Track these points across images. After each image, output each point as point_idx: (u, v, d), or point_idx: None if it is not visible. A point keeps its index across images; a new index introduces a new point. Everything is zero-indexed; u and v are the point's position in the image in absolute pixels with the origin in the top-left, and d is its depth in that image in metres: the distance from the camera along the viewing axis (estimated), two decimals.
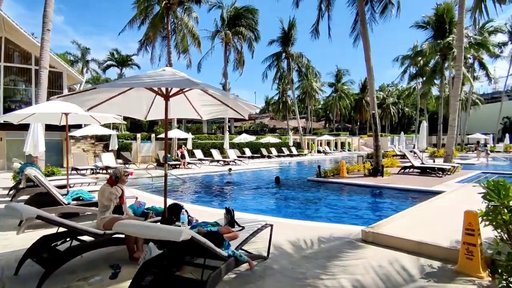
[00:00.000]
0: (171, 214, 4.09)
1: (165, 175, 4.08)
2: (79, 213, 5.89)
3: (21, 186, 5.68)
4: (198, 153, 22.01)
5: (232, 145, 26.98)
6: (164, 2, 19.83)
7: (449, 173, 13.26)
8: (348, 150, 44.13)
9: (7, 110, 19.58)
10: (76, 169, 14.77)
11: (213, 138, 27.59)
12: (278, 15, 64.63)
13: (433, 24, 28.88)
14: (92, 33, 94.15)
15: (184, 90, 4.10)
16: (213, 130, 43.99)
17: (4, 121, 17.99)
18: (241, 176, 15.98)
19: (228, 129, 27.17)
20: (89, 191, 6.11)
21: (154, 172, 14.79)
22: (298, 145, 34.31)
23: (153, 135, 24.79)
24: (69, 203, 5.43)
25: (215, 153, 21.20)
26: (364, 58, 13.64)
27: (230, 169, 17.43)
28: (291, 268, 3.82)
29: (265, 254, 4.07)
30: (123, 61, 38.53)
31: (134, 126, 36.45)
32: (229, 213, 4.13)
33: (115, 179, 4.06)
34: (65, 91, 21.21)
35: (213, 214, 5.90)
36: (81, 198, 5.62)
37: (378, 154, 13.57)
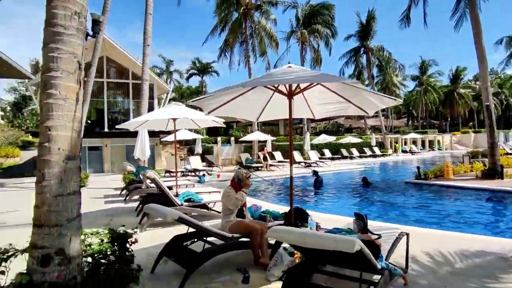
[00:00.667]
0: (295, 219, 3.76)
1: (291, 178, 3.75)
2: (188, 213, 6.01)
3: (143, 186, 6.02)
4: (278, 155, 21.87)
5: (311, 146, 26.25)
6: (242, 8, 20.30)
7: None
8: (439, 149, 39.41)
9: (110, 120, 22.34)
10: (169, 172, 15.82)
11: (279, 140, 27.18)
12: (355, 8, 61.53)
13: None
14: (167, 45, 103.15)
15: (309, 87, 3.73)
16: (285, 132, 43.79)
17: (116, 130, 20.38)
18: (326, 178, 15.23)
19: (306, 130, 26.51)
20: (196, 193, 6.21)
21: None
22: (380, 145, 31.83)
23: (232, 138, 25.58)
24: (181, 204, 5.54)
25: (296, 154, 20.79)
26: (473, 42, 11.73)
27: (314, 172, 16.73)
28: (443, 287, 3.16)
29: (403, 266, 3.46)
30: (203, 69, 41.03)
31: (210, 130, 38.40)
32: (361, 219, 3.60)
33: (238, 182, 3.88)
34: (155, 101, 23.27)
35: (322, 219, 5.44)
36: (192, 199, 5.71)
37: (494, 153, 11.52)
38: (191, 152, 26.32)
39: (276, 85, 3.78)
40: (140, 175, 7.10)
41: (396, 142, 35.16)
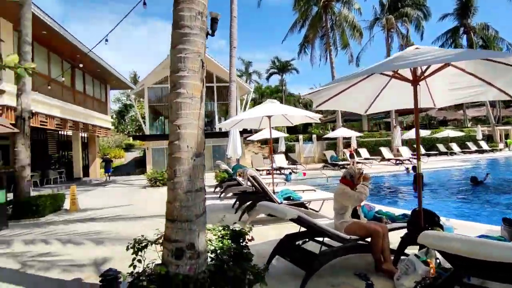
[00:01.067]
0: (424, 222, 3.28)
1: (418, 176, 3.29)
2: None
3: (244, 184, 6.10)
4: (364, 152, 20.57)
5: (401, 142, 24.04)
6: (322, 1, 19.65)
7: None
8: None
9: None
10: (257, 170, 16.19)
11: (376, 136, 25.39)
12: None
13: None
14: (244, 47, 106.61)
15: (440, 70, 3.18)
16: (369, 127, 41.08)
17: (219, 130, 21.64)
18: (427, 177, 13.63)
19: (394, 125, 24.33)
20: (294, 191, 6.08)
21: (328, 173, 14.51)
22: (488, 138, 27.34)
23: (314, 136, 25.05)
24: (281, 202, 5.46)
25: (385, 151, 19.22)
26: None
27: (408, 169, 15.25)
28: None
29: None
30: (283, 68, 41.33)
31: (290, 128, 38.32)
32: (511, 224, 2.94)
33: (351, 178, 3.57)
34: (238, 102, 24.24)
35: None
36: (291, 198, 5.60)
37: None
38: (273, 151, 26.68)
39: (395, 71, 3.36)
40: (237, 173, 7.31)
41: (508, 135, 29.82)
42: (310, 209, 5.80)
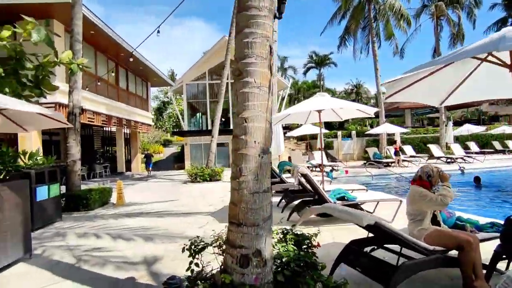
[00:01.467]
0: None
1: None
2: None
3: (295, 182, 5.82)
4: (408, 149, 19.35)
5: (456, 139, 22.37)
6: None
7: None
8: None
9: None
10: None
11: (422, 132, 23.82)
12: None
13: None
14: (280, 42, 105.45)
15: None
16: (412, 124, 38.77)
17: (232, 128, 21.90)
18: (491, 178, 12.40)
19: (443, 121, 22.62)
20: (347, 190, 5.65)
21: (372, 171, 13.76)
22: None
23: (353, 132, 24.07)
24: (334, 203, 5.06)
25: (435, 148, 17.88)
26: None
27: (462, 169, 14.02)
28: None
29: None
30: (321, 62, 40.28)
31: (325, 124, 37.18)
32: None
33: (428, 179, 3.11)
34: (275, 97, 23.88)
35: None
36: (345, 198, 5.19)
37: None
38: (310, 147, 26.05)
39: (486, 55, 2.85)
40: (290, 170, 6.97)
41: None
42: (368, 211, 5.35)
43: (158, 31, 6.47)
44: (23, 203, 4.16)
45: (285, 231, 2.97)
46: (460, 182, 11.68)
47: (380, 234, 2.97)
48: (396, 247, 2.97)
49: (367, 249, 3.27)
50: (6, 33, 4.07)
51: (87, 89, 12.06)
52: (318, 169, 15.31)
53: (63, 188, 7.61)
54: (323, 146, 7.76)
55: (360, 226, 2.83)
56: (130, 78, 18.29)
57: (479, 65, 3.13)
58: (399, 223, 4.71)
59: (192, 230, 5.27)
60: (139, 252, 4.30)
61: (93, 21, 11.48)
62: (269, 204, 2.43)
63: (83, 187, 8.41)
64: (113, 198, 8.56)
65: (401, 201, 5.18)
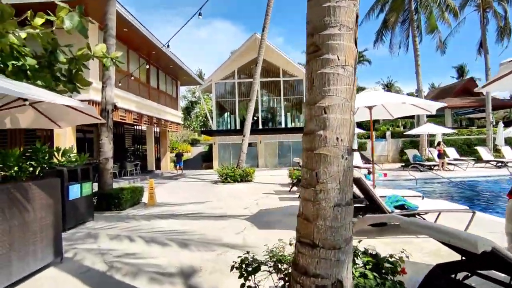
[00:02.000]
0: None
1: None
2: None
3: None
4: (452, 152, 17.90)
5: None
6: None
7: None
8: None
9: (263, 118, 23.55)
10: None
11: (465, 133, 22.13)
12: None
13: None
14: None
15: None
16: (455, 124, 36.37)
17: (262, 127, 21.25)
18: None
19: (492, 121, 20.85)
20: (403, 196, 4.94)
21: (416, 174, 12.74)
22: None
23: (388, 133, 22.82)
24: (392, 212, 4.40)
25: (483, 151, 16.41)
26: None
27: None
28: None
29: None
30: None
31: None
32: None
33: None
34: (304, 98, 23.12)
35: None
36: (405, 206, 4.50)
37: None
38: None
39: None
40: None
41: None
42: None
43: (200, 14, 6.09)
44: (55, 203, 3.87)
45: (365, 253, 2.40)
46: None
47: (486, 259, 2.31)
48: (498, 275, 2.32)
49: (459, 276, 2.62)
50: (39, 20, 3.79)
51: (119, 84, 12.01)
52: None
53: (95, 186, 7.45)
54: (373, 148, 7.01)
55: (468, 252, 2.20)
56: (161, 77, 18.30)
57: None
58: None
59: (229, 237, 4.81)
60: (174, 261, 3.88)
61: (126, 17, 11.39)
62: (351, 221, 1.87)
63: (114, 185, 8.22)
64: (145, 198, 8.32)
65: (474, 212, 4.42)
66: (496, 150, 17.25)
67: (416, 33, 17.79)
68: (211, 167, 21.79)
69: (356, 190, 4.80)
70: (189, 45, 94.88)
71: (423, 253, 3.85)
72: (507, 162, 15.03)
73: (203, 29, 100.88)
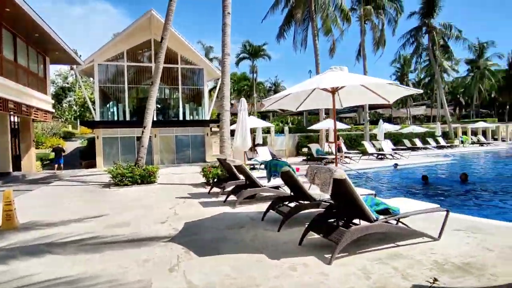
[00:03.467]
0: None
1: None
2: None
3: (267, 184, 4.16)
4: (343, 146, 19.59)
5: (370, 136, 23.86)
6: None
7: None
8: (503, 141, 35.54)
9: (158, 109, 20.90)
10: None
11: (346, 130, 24.76)
12: None
13: None
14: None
15: None
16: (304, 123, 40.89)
17: (157, 119, 18.79)
18: (413, 173, 12.88)
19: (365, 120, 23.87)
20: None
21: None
22: (443, 135, 28.62)
23: (286, 128, 23.57)
24: (377, 219, 3.60)
25: (368, 145, 18.41)
26: None
27: (396, 165, 14.52)
28: None
29: None
30: (255, 52, 38.46)
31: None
32: None
33: None
34: (205, 87, 21.59)
35: None
36: (389, 210, 3.75)
37: None
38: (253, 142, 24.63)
39: None
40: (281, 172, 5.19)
41: (465, 133, 31.87)
42: (409, 228, 4.04)
43: None
44: None
45: None
46: (409, 179, 11.79)
47: None
48: None
49: None
50: None
51: None
52: (262, 166, 13.95)
53: None
54: (337, 139, 6.28)
55: None
56: (21, 48, 13.71)
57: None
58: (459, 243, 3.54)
59: (162, 281, 3.10)
60: None
61: None
62: None
63: None
64: None
65: (447, 210, 4.03)
66: (374, 145, 19.66)
67: (316, 33, 18.57)
68: (94, 166, 18.05)
69: None
70: (60, 21, 79.60)
71: (425, 267, 3.12)
72: (385, 155, 17.27)
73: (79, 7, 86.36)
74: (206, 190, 8.43)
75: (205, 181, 9.44)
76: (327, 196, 4.68)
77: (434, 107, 54.00)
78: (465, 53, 48.78)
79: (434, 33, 28.32)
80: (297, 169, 12.76)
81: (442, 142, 26.49)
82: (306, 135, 22.85)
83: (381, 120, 19.26)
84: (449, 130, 29.00)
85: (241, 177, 7.30)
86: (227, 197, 6.98)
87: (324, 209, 4.25)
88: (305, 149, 20.39)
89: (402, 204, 4.20)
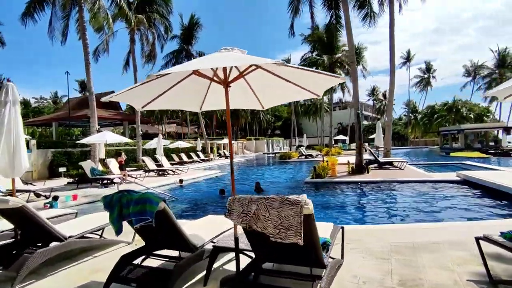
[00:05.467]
0: None
1: None
2: None
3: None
4: (114, 164, 17.07)
5: (144, 152, 22.74)
6: None
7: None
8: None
9: None
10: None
11: (108, 145, 22.12)
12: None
13: None
14: None
15: (247, 73, 3.45)
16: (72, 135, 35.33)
17: None
18: (213, 188, 13.27)
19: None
20: None
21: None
22: (202, 150, 32.23)
23: (33, 142, 17.52)
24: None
25: (148, 161, 17.05)
26: None
27: (181, 180, 14.34)
28: None
29: None
30: None
31: None
32: None
33: None
34: None
35: None
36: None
37: (361, 152, 14.32)
38: None
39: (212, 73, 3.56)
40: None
41: (218, 148, 37.46)
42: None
43: None
44: None
45: None
46: (206, 193, 11.79)
47: None
48: None
49: None
50: None
51: None
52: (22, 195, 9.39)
53: None
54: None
55: None
56: None
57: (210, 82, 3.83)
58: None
59: None
60: None
61: None
62: None
63: None
64: None
65: (342, 227, 3.98)
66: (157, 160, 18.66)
67: (85, 24, 15.03)
68: None
69: None
70: None
71: None
72: (167, 170, 16.86)
73: None
74: None
75: None
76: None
77: (183, 125, 60.53)
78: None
79: (192, 58, 31.73)
80: (75, 197, 9.64)
81: (201, 156, 29.62)
82: (65, 151, 18.21)
83: (160, 135, 18.67)
84: (206, 145, 32.98)
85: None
86: None
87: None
88: (63, 169, 16.03)
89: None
